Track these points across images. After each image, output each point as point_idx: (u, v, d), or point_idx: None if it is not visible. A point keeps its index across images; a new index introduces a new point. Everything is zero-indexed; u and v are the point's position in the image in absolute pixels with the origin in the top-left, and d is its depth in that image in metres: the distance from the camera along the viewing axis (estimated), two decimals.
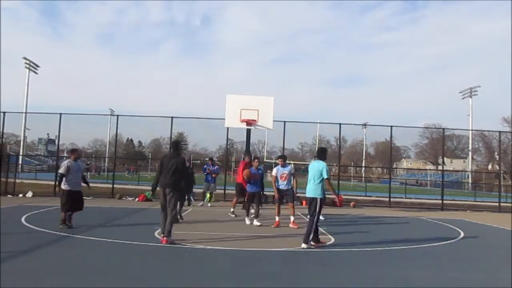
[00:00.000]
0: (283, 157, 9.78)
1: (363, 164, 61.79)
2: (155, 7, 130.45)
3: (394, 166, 49.37)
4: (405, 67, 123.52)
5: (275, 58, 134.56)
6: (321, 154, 7.21)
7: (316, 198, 6.92)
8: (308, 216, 7.17)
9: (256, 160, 10.24)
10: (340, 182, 19.01)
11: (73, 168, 8.26)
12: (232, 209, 11.13)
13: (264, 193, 17.58)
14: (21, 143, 40.41)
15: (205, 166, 15.30)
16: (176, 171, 6.82)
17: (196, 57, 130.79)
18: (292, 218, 9.51)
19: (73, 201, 8.14)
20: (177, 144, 7.31)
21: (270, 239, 7.85)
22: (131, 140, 71.46)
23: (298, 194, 10.90)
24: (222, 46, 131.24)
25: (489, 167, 57.23)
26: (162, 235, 6.76)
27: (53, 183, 17.85)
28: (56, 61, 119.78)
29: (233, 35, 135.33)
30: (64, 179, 8.18)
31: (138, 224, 8.67)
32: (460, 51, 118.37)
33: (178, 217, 9.95)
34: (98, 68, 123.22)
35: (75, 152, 8.65)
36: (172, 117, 17.09)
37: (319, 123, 20.91)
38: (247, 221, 9.83)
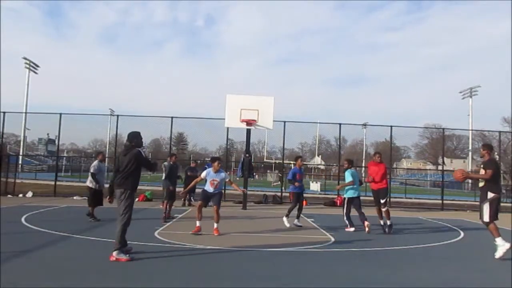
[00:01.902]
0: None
1: (363, 164, 61.76)
2: (158, 7, 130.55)
3: (394, 166, 49.31)
4: (405, 67, 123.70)
5: (276, 59, 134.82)
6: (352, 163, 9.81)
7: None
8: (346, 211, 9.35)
9: (299, 160, 10.19)
10: (340, 182, 18.97)
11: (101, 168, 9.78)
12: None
13: (265, 193, 17.71)
14: (21, 143, 40.31)
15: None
16: (128, 168, 5.75)
17: (198, 57, 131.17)
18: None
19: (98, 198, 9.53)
20: (131, 136, 5.97)
21: (270, 238, 7.85)
22: None
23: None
24: (224, 46, 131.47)
25: None
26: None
27: (53, 183, 17.92)
28: (57, 61, 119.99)
29: (236, 35, 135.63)
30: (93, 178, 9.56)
31: (138, 224, 8.64)
32: (461, 51, 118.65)
33: (165, 216, 9.94)
34: (99, 68, 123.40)
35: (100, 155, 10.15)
36: (172, 117, 17.11)
37: (319, 123, 20.98)
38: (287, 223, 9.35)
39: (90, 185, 9.64)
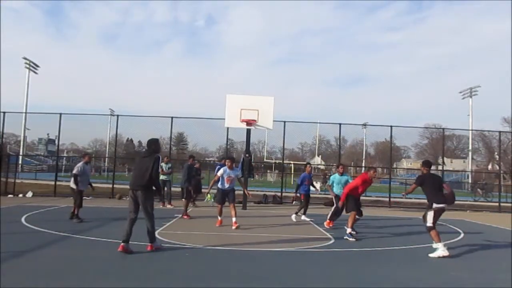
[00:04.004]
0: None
1: (363, 164, 61.74)
2: (159, 7, 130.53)
3: (394, 166, 49.31)
4: (406, 67, 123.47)
5: (277, 59, 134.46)
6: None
7: None
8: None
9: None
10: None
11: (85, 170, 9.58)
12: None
13: (265, 193, 17.71)
14: (21, 143, 40.37)
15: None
16: (149, 170, 6.09)
17: (198, 57, 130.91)
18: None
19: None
20: (150, 142, 6.46)
21: (270, 238, 7.85)
22: (131, 140, 71.25)
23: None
24: (225, 46, 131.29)
25: (489, 167, 57.17)
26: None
27: (53, 183, 17.94)
28: (57, 61, 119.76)
29: (237, 35, 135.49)
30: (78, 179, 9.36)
31: (138, 223, 8.63)
32: (461, 51, 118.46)
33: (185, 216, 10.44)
34: (99, 68, 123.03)
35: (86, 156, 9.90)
36: (172, 117, 17.10)
37: (319, 123, 20.96)
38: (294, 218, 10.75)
39: (74, 187, 9.37)
